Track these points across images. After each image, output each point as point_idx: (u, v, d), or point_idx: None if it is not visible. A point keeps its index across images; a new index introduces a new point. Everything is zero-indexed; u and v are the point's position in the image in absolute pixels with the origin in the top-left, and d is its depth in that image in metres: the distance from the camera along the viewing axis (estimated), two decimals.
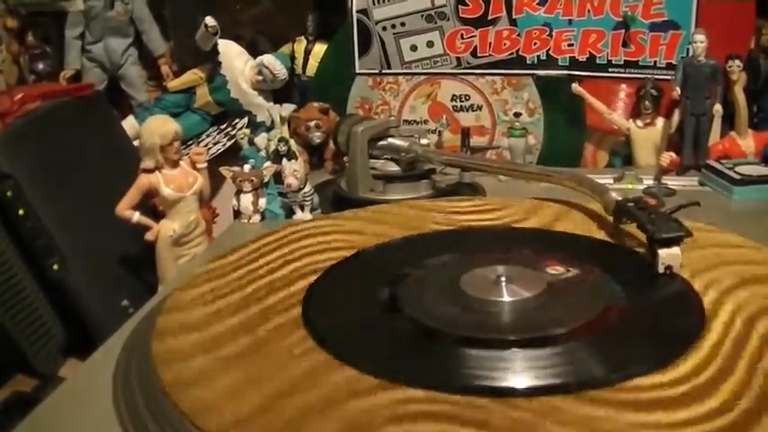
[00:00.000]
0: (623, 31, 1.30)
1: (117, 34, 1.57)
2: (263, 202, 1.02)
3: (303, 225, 0.87)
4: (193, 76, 1.49)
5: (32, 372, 1.07)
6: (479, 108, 1.40)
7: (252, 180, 1.01)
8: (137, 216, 1.02)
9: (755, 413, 0.46)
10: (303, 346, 0.57)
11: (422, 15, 1.37)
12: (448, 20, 1.36)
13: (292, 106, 1.31)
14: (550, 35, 1.34)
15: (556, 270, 0.69)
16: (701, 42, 1.16)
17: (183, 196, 1.03)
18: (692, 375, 0.51)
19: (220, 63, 1.45)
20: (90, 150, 1.24)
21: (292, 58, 1.51)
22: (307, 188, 1.02)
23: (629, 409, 0.47)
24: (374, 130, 1.10)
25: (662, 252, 0.68)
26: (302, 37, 1.51)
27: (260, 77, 1.44)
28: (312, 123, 1.23)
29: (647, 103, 1.26)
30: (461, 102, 1.40)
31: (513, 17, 1.34)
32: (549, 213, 0.87)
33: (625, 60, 1.32)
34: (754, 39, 1.31)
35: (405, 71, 1.41)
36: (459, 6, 1.35)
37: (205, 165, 1.08)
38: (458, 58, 1.38)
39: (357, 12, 1.39)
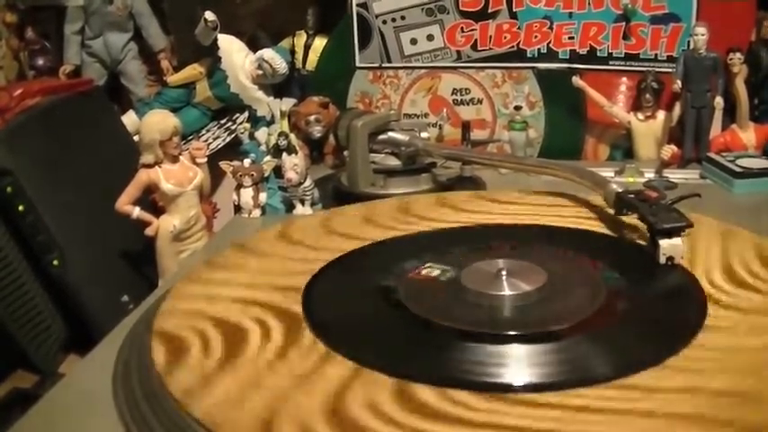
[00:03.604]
0: (624, 23, 1.30)
1: (116, 29, 1.56)
2: (263, 196, 1.02)
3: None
4: (193, 71, 1.48)
5: (32, 368, 1.07)
6: (480, 101, 1.39)
7: (252, 175, 1.01)
8: (137, 211, 1.02)
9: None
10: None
11: (422, 9, 1.37)
12: (448, 13, 1.36)
13: (292, 101, 1.31)
14: (551, 28, 1.33)
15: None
16: (702, 35, 1.16)
17: (184, 191, 1.03)
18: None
19: (220, 58, 1.44)
20: (90, 146, 1.24)
21: (292, 52, 1.51)
22: (307, 183, 1.02)
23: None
24: (374, 124, 1.09)
25: (663, 243, 0.68)
26: (302, 31, 1.51)
27: (260, 72, 1.43)
28: (312, 118, 1.23)
29: (647, 96, 1.26)
30: (462, 95, 1.40)
31: (514, 10, 1.34)
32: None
33: (626, 53, 1.32)
34: (754, 31, 1.31)
35: (405, 65, 1.40)
36: None
37: (205, 160, 1.08)
38: (458, 52, 1.38)
39: (357, 5, 1.38)
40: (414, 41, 1.39)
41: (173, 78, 1.52)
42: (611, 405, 0.47)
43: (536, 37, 1.34)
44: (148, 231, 1.03)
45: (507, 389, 0.49)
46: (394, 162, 1.10)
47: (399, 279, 0.68)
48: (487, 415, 0.47)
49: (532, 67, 1.36)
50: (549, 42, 1.34)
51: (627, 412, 0.46)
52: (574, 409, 0.47)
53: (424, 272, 0.69)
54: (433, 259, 0.72)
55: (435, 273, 0.69)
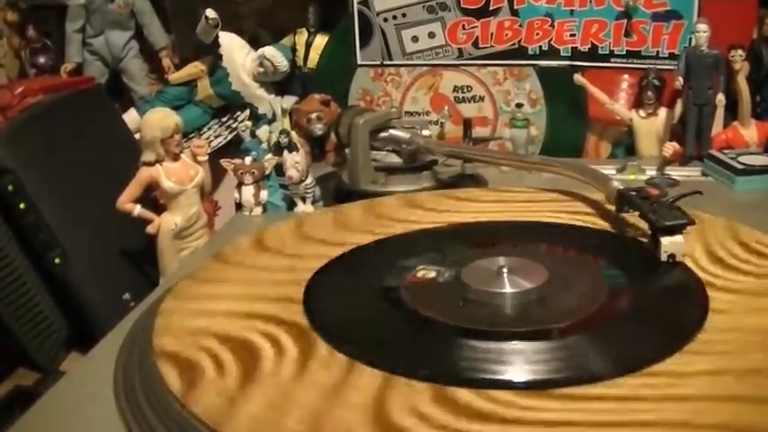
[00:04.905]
0: (625, 20, 1.30)
1: (118, 27, 1.57)
2: (264, 194, 1.02)
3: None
4: (194, 68, 1.48)
5: (34, 366, 1.07)
6: (481, 99, 1.39)
7: (253, 172, 1.01)
8: (138, 209, 1.02)
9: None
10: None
11: (423, 6, 1.37)
12: (449, 11, 1.36)
13: (294, 98, 1.31)
14: (552, 25, 1.33)
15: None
16: (704, 32, 1.16)
17: (185, 189, 1.03)
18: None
19: (221, 56, 1.44)
20: (91, 144, 1.24)
21: (293, 50, 1.50)
22: (308, 180, 1.02)
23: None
24: (375, 122, 1.09)
25: (665, 240, 0.67)
26: (303, 29, 1.51)
27: (261, 69, 1.43)
28: (313, 115, 1.22)
29: (649, 93, 1.26)
30: (463, 93, 1.40)
31: (515, 7, 1.34)
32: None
33: (627, 50, 1.32)
34: (756, 28, 1.31)
35: (406, 62, 1.40)
36: None
37: (206, 157, 1.08)
38: (459, 49, 1.38)
39: (358, 3, 1.38)
40: (415, 39, 1.39)
41: (174, 76, 1.52)
42: (650, 393, 0.47)
43: (537, 34, 1.34)
44: (150, 229, 1.03)
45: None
46: (395, 160, 1.10)
47: (400, 280, 0.68)
48: (536, 412, 0.47)
49: (534, 65, 1.36)
50: (551, 40, 1.34)
51: (665, 398, 0.47)
52: (615, 399, 0.47)
53: (419, 274, 0.68)
54: (429, 260, 0.71)
55: (431, 275, 0.68)
